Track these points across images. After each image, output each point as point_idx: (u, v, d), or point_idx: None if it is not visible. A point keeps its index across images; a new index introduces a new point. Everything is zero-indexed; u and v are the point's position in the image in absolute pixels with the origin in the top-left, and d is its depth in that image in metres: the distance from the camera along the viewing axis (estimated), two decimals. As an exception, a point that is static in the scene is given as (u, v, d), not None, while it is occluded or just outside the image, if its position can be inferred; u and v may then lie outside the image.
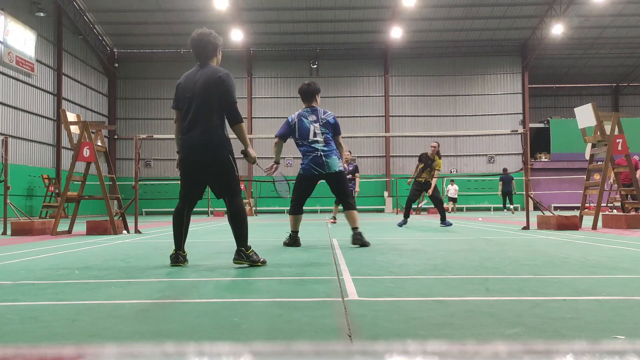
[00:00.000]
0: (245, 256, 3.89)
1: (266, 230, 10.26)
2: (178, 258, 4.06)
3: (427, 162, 10.62)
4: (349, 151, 12.90)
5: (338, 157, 5.85)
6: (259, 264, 3.90)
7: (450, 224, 10.32)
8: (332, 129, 5.90)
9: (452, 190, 25.89)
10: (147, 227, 11.20)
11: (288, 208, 6.46)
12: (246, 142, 4.17)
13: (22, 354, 1.07)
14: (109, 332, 1.97)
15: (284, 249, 5.55)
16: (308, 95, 6.02)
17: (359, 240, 5.68)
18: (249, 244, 4.00)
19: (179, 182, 4.26)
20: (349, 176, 12.52)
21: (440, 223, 10.33)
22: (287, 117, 6.29)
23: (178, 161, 4.24)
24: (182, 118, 4.09)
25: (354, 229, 5.79)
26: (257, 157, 4.35)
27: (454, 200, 26.13)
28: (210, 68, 4.10)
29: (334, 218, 13.00)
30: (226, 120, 4.13)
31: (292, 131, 5.95)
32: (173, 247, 4.14)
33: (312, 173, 5.79)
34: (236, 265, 4.02)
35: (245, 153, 4.20)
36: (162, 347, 1.05)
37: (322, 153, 5.74)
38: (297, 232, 6.04)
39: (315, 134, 5.80)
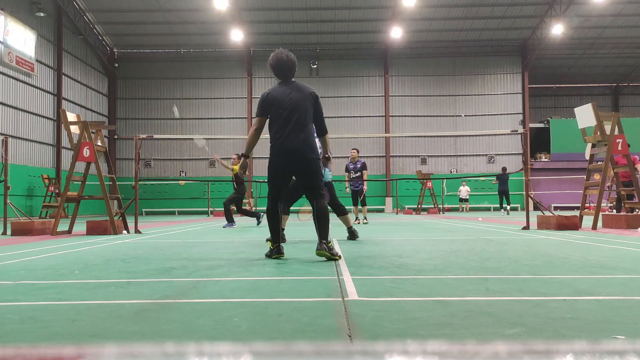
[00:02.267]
0: (327, 248, 4.35)
1: (265, 230, 10.25)
2: (281, 249, 4.63)
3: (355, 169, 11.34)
4: (357, 149, 12.74)
5: None
6: (336, 257, 4.32)
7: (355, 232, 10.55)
8: None
9: (463, 191, 25.93)
10: (147, 227, 11.20)
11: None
12: (328, 148, 4.99)
13: (22, 354, 1.07)
14: (109, 332, 1.97)
15: (284, 249, 5.54)
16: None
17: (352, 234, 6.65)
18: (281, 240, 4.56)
19: (268, 184, 4.74)
20: (357, 174, 12.39)
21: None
22: None
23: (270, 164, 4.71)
24: (280, 126, 4.61)
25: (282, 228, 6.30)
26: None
27: (465, 200, 26.18)
28: (300, 84, 4.85)
29: (357, 219, 12.69)
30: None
31: None
32: (269, 244, 4.72)
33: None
34: (236, 265, 4.02)
35: (327, 158, 5.01)
36: (162, 347, 1.05)
37: None
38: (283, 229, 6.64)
39: None
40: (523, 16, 28.10)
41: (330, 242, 4.43)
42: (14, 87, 21.89)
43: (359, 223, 12.30)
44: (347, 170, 12.63)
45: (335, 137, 30.98)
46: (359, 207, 12.63)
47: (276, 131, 4.62)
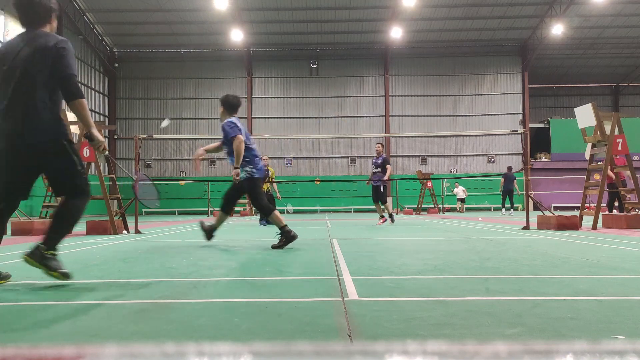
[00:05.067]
0: (40, 255, 3.16)
1: (268, 229, 10.25)
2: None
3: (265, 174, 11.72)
4: (380, 143, 12.07)
5: None
6: (54, 274, 3.12)
7: (265, 225, 11.18)
8: None
9: (459, 191, 25.95)
10: (147, 227, 11.19)
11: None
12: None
13: (22, 354, 1.07)
14: (109, 332, 1.97)
15: (284, 250, 5.55)
16: (237, 107, 6.14)
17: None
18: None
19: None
20: (378, 170, 11.62)
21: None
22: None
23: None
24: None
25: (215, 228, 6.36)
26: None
27: (462, 200, 26.18)
28: (41, 34, 3.26)
29: (382, 217, 11.75)
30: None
31: (240, 131, 5.94)
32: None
33: (260, 175, 6.07)
34: (236, 265, 4.02)
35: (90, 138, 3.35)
36: (162, 347, 1.05)
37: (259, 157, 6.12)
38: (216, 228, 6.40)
39: (252, 140, 6.12)
40: (523, 16, 28.10)
41: (54, 252, 3.17)
42: (14, 87, 21.88)
43: (384, 222, 11.50)
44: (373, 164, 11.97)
45: (335, 137, 31.08)
46: (380, 204, 11.58)
47: None
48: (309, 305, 2.43)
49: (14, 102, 3.06)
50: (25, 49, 3.16)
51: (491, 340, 1.79)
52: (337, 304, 2.44)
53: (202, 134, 28.87)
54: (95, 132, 3.29)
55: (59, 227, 3.23)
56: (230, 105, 6.03)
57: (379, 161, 11.57)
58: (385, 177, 11.37)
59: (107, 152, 3.54)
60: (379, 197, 11.50)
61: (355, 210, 29.19)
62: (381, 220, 11.61)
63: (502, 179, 20.61)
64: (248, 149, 5.90)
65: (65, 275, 3.11)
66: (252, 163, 5.94)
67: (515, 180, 20.29)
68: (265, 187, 11.81)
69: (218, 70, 30.92)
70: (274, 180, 12.57)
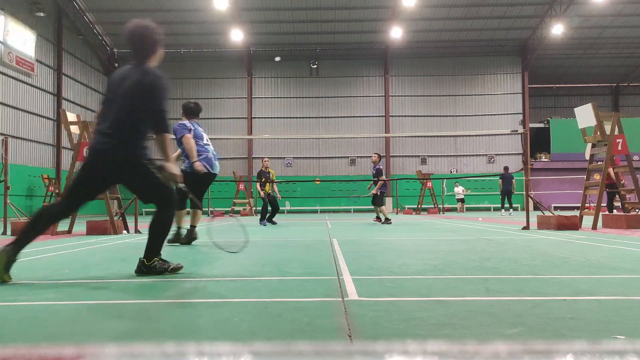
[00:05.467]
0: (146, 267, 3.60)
1: (269, 229, 10.25)
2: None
3: (266, 176, 12.09)
4: (377, 153, 12.88)
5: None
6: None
7: (265, 225, 11.61)
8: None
9: (459, 190, 25.95)
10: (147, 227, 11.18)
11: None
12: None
13: (22, 354, 1.07)
14: (109, 332, 1.97)
15: (284, 250, 5.55)
16: (197, 112, 6.84)
17: (185, 237, 6.57)
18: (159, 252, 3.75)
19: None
20: (376, 179, 12.59)
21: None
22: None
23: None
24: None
25: (192, 227, 6.71)
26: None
27: (461, 200, 26.18)
28: (144, 69, 3.57)
29: (378, 217, 13.12)
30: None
31: (189, 131, 6.60)
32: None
33: (208, 170, 6.59)
34: (236, 265, 4.02)
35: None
36: (162, 347, 1.05)
37: (212, 155, 6.70)
38: (195, 227, 6.71)
39: (206, 140, 6.76)
40: (523, 16, 28.10)
41: (153, 261, 3.57)
42: (14, 87, 21.89)
43: (379, 221, 12.82)
44: None
45: (335, 137, 31.08)
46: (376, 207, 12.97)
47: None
48: (309, 305, 2.42)
49: (113, 126, 3.49)
50: (128, 81, 3.55)
51: (491, 340, 1.79)
52: (337, 304, 2.44)
53: (202, 134, 28.85)
54: (170, 165, 3.66)
55: (153, 238, 3.68)
56: (188, 110, 6.75)
57: (374, 172, 12.64)
58: (374, 191, 12.54)
59: (180, 184, 3.86)
60: (375, 201, 12.66)
61: (355, 210, 29.18)
62: (376, 219, 13.00)
63: (500, 180, 20.59)
64: (199, 145, 6.57)
65: (178, 269, 3.64)
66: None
67: (513, 180, 20.24)
68: (267, 188, 11.94)
69: (218, 70, 30.92)
70: (274, 181, 12.65)
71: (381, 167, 12.76)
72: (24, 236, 3.35)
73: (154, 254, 3.58)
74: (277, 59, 30.04)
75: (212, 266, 4.06)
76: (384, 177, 12.58)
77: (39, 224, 3.41)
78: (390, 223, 11.96)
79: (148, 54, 3.62)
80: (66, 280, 3.34)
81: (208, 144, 6.73)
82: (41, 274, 3.69)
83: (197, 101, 7.17)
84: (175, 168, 3.72)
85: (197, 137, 6.63)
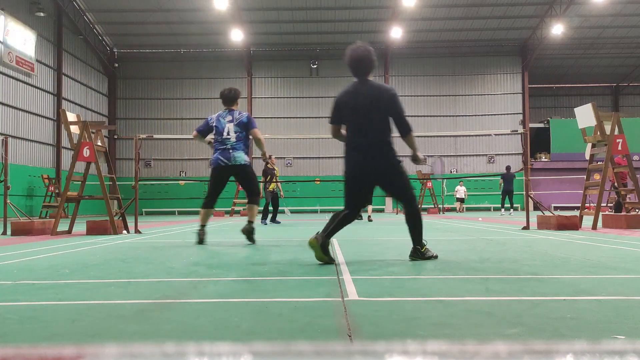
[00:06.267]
0: (419, 253, 4.31)
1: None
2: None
3: (272, 173, 12.13)
4: None
5: (245, 153, 6.36)
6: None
7: (266, 224, 11.80)
8: (245, 126, 6.42)
9: (460, 191, 25.95)
10: (147, 227, 11.20)
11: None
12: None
13: (22, 354, 1.07)
14: (109, 332, 1.97)
15: (284, 250, 5.55)
16: (229, 100, 6.58)
17: (247, 232, 6.35)
18: (423, 240, 4.37)
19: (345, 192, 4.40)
20: None
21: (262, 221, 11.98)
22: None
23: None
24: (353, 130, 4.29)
25: (249, 222, 6.45)
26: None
27: (461, 200, 26.17)
28: (374, 85, 4.31)
29: (370, 217, 13.78)
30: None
31: (210, 129, 6.51)
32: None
33: (219, 164, 6.30)
34: (236, 265, 4.02)
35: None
36: (162, 347, 1.05)
37: (230, 147, 6.29)
38: (205, 226, 6.52)
39: (228, 132, 6.34)
40: (523, 16, 28.10)
41: (423, 247, 4.29)
42: (14, 87, 21.89)
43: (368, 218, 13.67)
44: None
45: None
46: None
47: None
48: (309, 305, 2.43)
49: (363, 140, 4.21)
50: (365, 98, 4.21)
51: (491, 340, 1.79)
52: (337, 304, 2.44)
53: (202, 134, 28.83)
54: (419, 154, 4.55)
55: (415, 228, 4.29)
56: (221, 98, 6.61)
57: None
58: None
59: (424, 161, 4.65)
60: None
61: (355, 210, 29.14)
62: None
63: (501, 180, 20.55)
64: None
65: (434, 257, 4.30)
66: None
67: (513, 180, 20.22)
68: (271, 186, 12.01)
69: (218, 70, 30.91)
70: (278, 180, 12.70)
71: None
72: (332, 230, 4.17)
73: (421, 240, 4.26)
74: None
75: (212, 266, 4.06)
76: None
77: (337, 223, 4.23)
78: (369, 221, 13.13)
79: (369, 71, 4.28)
80: (66, 280, 3.34)
81: (228, 138, 6.31)
82: (41, 274, 3.69)
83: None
84: (421, 155, 4.59)
85: (217, 134, 6.40)
